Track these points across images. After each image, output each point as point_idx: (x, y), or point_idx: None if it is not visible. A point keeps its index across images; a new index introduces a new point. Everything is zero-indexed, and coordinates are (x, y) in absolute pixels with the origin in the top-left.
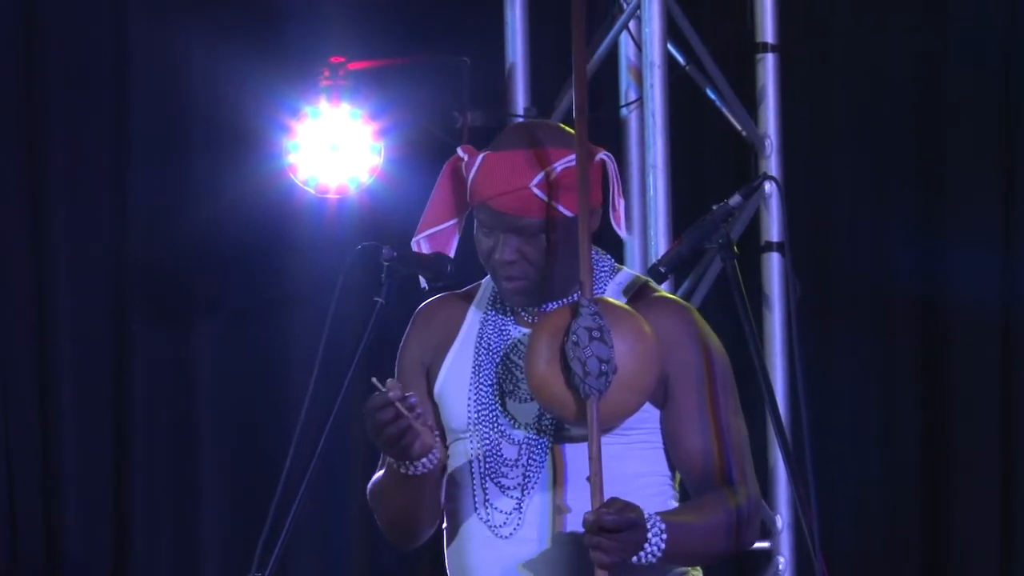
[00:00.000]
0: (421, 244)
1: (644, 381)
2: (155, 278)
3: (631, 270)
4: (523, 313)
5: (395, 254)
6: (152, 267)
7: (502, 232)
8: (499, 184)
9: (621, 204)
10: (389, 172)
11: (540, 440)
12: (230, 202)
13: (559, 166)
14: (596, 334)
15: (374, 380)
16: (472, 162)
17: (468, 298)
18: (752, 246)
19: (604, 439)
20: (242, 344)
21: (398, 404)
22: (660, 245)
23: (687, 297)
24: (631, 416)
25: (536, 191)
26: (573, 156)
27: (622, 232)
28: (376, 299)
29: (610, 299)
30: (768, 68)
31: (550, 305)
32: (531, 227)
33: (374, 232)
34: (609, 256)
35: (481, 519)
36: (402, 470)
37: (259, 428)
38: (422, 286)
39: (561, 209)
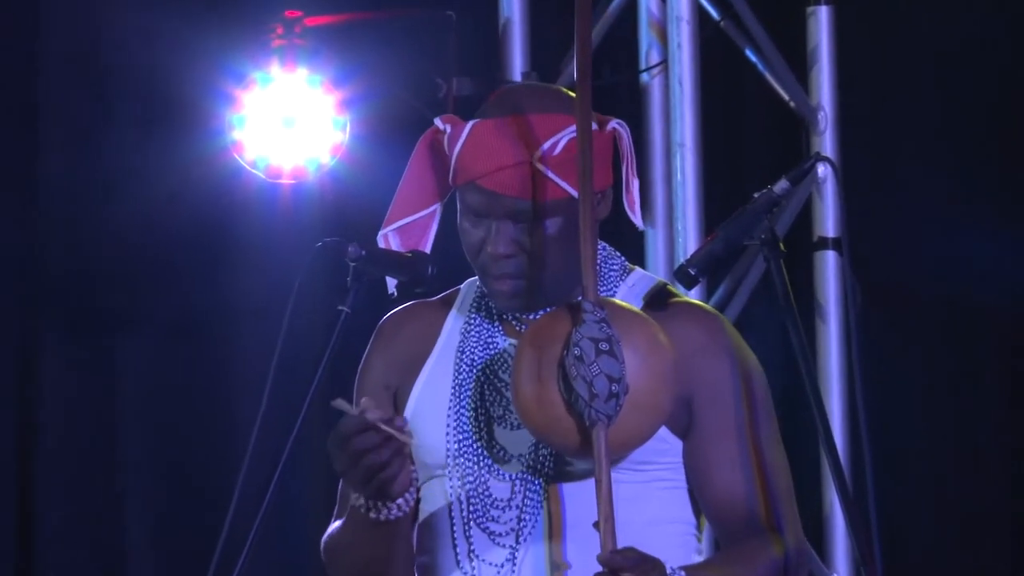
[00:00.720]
0: (390, 239)
1: (659, 399)
2: (71, 283)
3: (646, 272)
4: (512, 320)
5: (363, 253)
6: (68, 270)
7: (495, 219)
8: (493, 158)
9: (635, 185)
10: (356, 152)
11: (537, 478)
12: (162, 191)
13: (566, 136)
14: (604, 346)
15: (338, 402)
16: (457, 134)
17: (446, 305)
18: (802, 243)
19: (615, 476)
20: (177, 363)
21: (382, 426)
22: (689, 241)
23: (722, 306)
24: (644, 443)
25: (540, 166)
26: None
27: (637, 220)
28: (340, 308)
29: (617, 301)
30: (822, 23)
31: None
32: (532, 212)
33: (338, 226)
34: (619, 254)
35: (466, 575)
36: (372, 514)
37: (198, 466)
38: (389, 291)
39: (569, 189)
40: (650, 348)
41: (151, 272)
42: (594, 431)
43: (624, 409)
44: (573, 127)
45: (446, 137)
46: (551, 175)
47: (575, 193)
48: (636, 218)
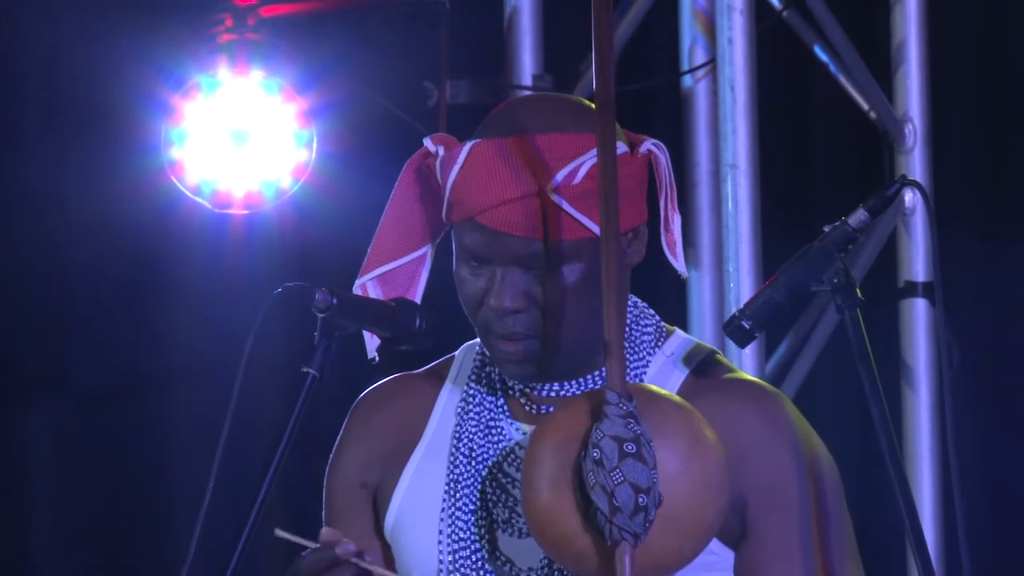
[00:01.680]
0: (368, 288)
1: (703, 514)
2: None
3: (687, 336)
4: (520, 398)
5: (334, 301)
6: None
7: (500, 265)
8: (495, 189)
9: (677, 221)
10: (324, 175)
11: None
12: (80, 221)
13: (589, 160)
14: (630, 447)
15: (279, 533)
16: (451, 158)
17: (437, 378)
18: (885, 289)
19: None
20: (97, 438)
21: (357, 561)
22: (743, 287)
23: (784, 368)
24: (684, 567)
25: (555, 199)
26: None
27: (679, 266)
28: (306, 370)
29: (651, 387)
30: (909, 15)
31: (568, 387)
32: (545, 256)
33: (302, 267)
34: (652, 312)
35: None
36: None
37: (127, 568)
38: (369, 356)
39: (593, 227)
40: (693, 449)
41: (65, 323)
42: (616, 552)
43: (658, 525)
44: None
45: (438, 162)
46: (569, 209)
47: (599, 231)
48: (678, 263)
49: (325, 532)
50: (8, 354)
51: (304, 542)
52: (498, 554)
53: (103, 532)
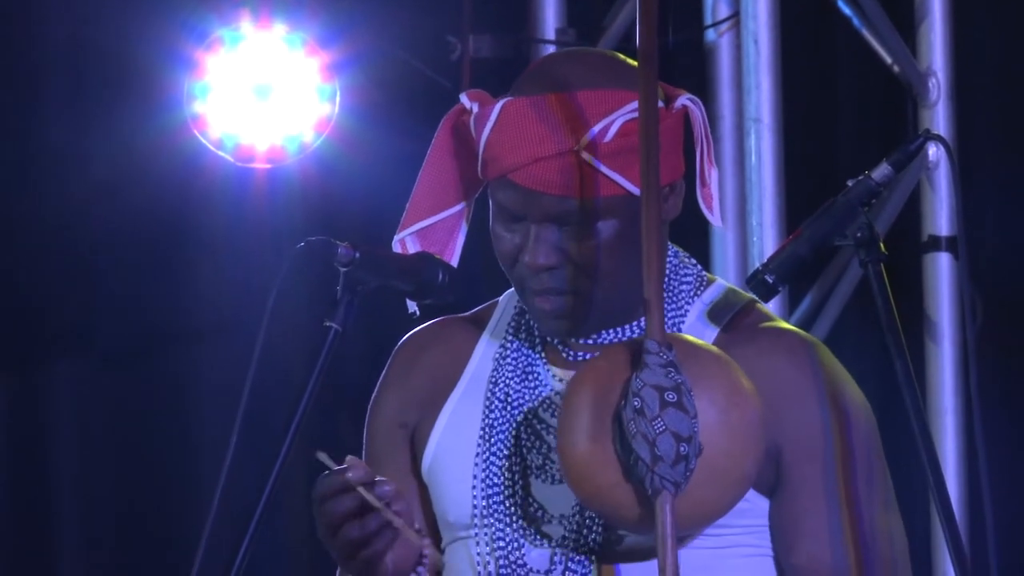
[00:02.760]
0: (407, 244)
1: (742, 464)
2: None
3: (728, 284)
4: (560, 346)
5: (356, 255)
6: None
7: (534, 222)
8: (528, 146)
9: (713, 176)
10: (347, 129)
11: (582, 551)
12: (102, 179)
13: (620, 117)
14: (671, 396)
15: (320, 456)
16: (485, 115)
17: (478, 325)
18: (908, 243)
19: (683, 540)
20: (122, 394)
21: (362, 491)
22: (767, 241)
23: (807, 323)
24: (722, 516)
25: (588, 156)
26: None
27: (714, 219)
28: (328, 324)
29: (689, 337)
30: None
31: (605, 336)
32: (579, 213)
33: (324, 221)
34: (695, 262)
35: None
36: None
37: (154, 519)
38: (410, 311)
39: (626, 184)
40: (730, 399)
41: (88, 280)
42: (657, 501)
43: (697, 475)
44: (629, 106)
45: (472, 119)
46: (601, 167)
47: (633, 189)
48: (714, 217)
49: (348, 459)
50: (33, 312)
51: (338, 468)
52: (530, 500)
53: (126, 489)
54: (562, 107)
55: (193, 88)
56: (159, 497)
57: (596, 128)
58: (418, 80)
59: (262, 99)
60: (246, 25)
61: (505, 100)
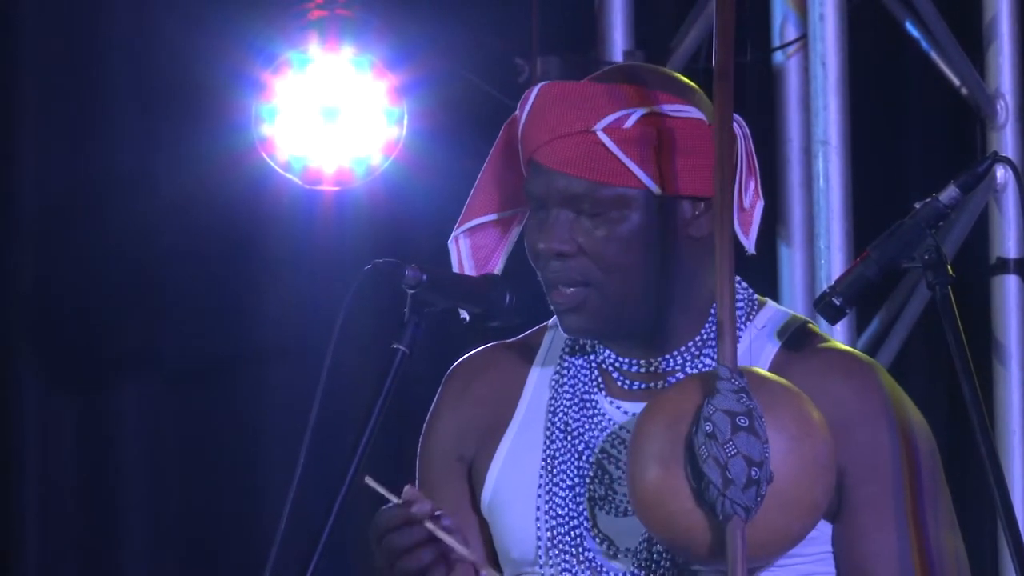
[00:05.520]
0: (460, 243)
1: (812, 495)
2: (57, 312)
3: (779, 306)
4: (613, 373)
5: (424, 277)
6: (53, 296)
7: (553, 206)
8: (549, 124)
9: (758, 207)
10: (414, 151)
11: None
12: (170, 201)
13: (645, 110)
14: (742, 421)
15: (368, 481)
16: (525, 99)
17: (527, 351)
18: (977, 265)
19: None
20: (187, 417)
21: (430, 526)
22: (834, 263)
23: (875, 345)
24: (792, 547)
25: (603, 137)
26: (679, 105)
27: (747, 243)
28: (396, 346)
29: (758, 370)
30: None
31: (655, 362)
32: (593, 198)
33: (392, 244)
34: (744, 284)
35: None
36: None
37: (217, 544)
38: (461, 316)
39: (641, 176)
40: (801, 429)
41: (156, 301)
42: (728, 527)
43: (767, 503)
44: (667, 106)
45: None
46: (615, 151)
47: (650, 184)
48: (748, 240)
49: (407, 490)
50: (101, 333)
51: (390, 495)
52: (597, 532)
53: (193, 511)
54: (591, 93)
55: (261, 111)
56: (226, 518)
57: (617, 113)
58: (486, 102)
59: (330, 121)
60: (314, 48)
61: (541, 84)
